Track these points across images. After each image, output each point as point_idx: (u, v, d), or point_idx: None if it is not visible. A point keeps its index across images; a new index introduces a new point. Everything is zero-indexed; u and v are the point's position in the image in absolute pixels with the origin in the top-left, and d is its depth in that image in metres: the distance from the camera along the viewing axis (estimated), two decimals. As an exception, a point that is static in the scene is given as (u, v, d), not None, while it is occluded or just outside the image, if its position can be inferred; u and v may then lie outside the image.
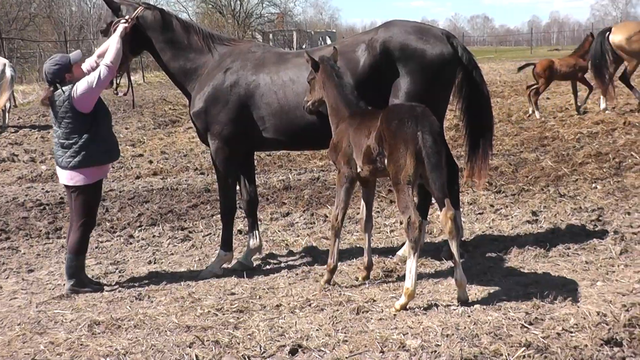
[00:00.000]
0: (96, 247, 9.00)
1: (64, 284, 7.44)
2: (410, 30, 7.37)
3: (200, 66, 7.91)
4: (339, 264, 7.01)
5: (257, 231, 8.10)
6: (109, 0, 7.74)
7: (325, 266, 7.03)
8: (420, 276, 7.03)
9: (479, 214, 9.69)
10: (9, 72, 20.37)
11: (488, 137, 7.74)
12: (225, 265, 7.85)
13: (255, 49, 7.99)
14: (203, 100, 7.68)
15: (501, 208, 9.87)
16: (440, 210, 6.04)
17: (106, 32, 7.85)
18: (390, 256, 7.86)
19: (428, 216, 8.24)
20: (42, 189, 12.79)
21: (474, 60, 7.58)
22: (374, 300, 6.43)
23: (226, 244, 7.90)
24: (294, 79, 7.47)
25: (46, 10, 60.03)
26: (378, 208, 10.18)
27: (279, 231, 9.36)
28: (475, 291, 6.56)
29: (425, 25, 7.87)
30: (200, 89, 7.76)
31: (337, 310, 6.21)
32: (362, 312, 6.13)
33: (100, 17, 61.16)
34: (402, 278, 6.90)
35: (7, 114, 20.50)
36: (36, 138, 19.07)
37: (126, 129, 20.13)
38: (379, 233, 8.96)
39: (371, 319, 5.98)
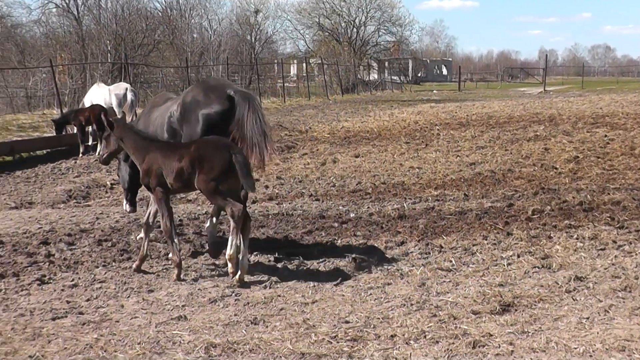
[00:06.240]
0: (213, 271, 9.15)
1: (182, 305, 7.63)
2: (201, 88, 9.57)
3: None
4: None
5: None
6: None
7: (172, 263, 8.72)
8: (536, 314, 6.88)
9: (601, 249, 9.35)
10: (130, 96, 21.41)
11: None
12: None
13: (157, 98, 10.71)
14: None
15: (624, 244, 9.52)
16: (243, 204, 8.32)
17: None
18: (504, 285, 7.71)
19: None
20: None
21: (252, 111, 9.12)
22: (491, 335, 6.30)
23: None
24: (158, 115, 9.96)
25: (169, 37, 62.35)
26: (495, 240, 9.99)
27: (393, 260, 9.29)
28: (597, 330, 6.34)
29: (220, 84, 9.86)
30: None
31: (453, 343, 6.13)
32: (478, 347, 6.03)
33: (219, 44, 63.19)
34: (519, 313, 6.79)
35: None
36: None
37: (243, 153, 20.41)
38: (496, 266, 8.76)
39: (487, 353, 5.88)
